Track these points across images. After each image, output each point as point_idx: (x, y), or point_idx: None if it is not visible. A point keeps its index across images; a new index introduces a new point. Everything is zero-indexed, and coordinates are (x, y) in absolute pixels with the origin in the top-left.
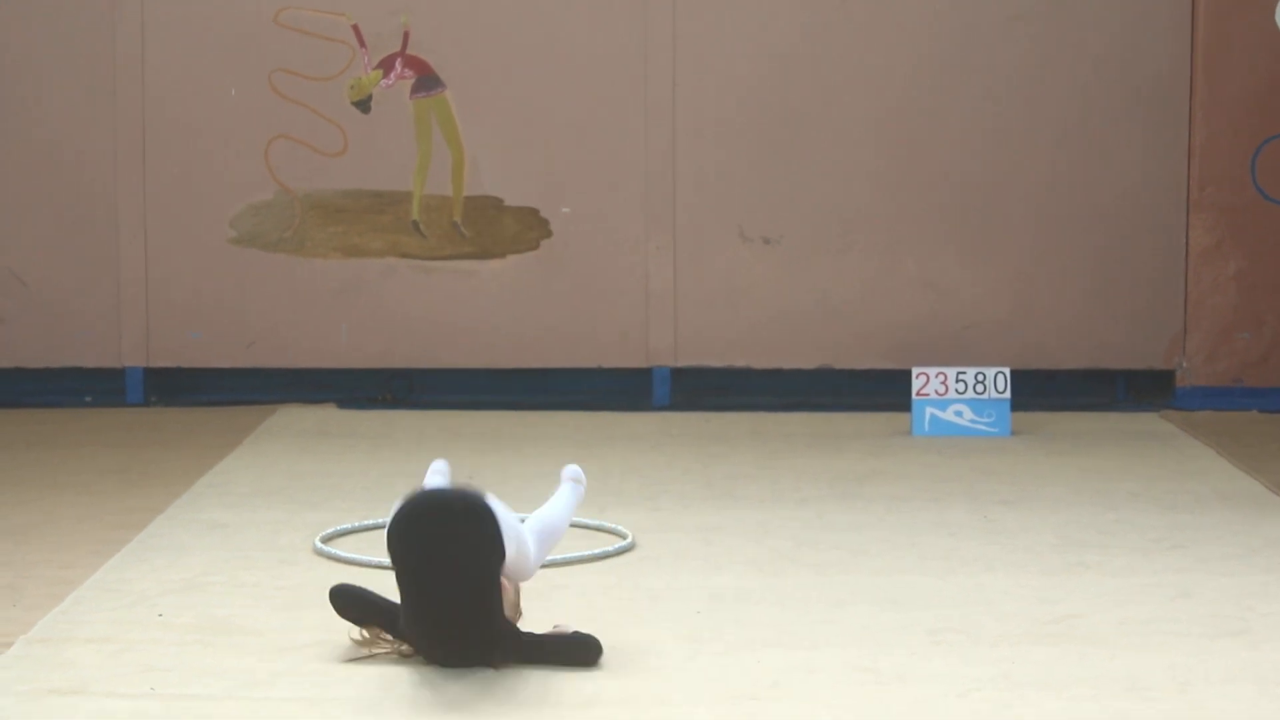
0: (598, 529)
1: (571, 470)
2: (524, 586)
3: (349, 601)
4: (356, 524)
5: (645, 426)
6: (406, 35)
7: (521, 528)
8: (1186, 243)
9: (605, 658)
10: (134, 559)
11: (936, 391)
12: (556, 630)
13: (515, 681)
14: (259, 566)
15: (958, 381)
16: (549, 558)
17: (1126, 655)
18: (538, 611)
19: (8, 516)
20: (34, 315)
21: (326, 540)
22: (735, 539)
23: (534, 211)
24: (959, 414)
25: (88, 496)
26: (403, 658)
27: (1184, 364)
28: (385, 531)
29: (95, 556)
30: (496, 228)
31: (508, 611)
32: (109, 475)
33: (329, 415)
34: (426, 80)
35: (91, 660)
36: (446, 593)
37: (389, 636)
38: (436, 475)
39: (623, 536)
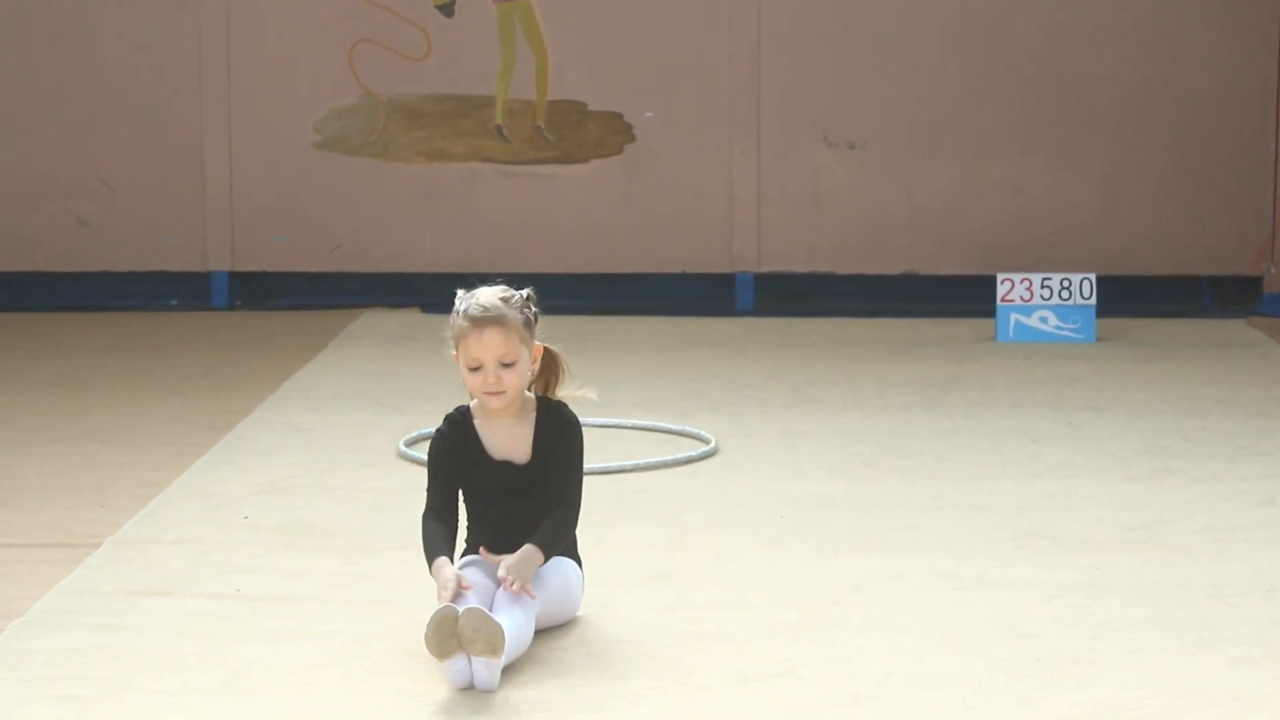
0: (680, 434)
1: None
2: (610, 489)
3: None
4: None
5: (728, 332)
6: None
7: None
8: (1276, 147)
9: (690, 561)
10: (220, 461)
11: (1021, 297)
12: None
13: (593, 586)
14: (344, 469)
15: (1043, 287)
16: (633, 462)
17: (1211, 562)
18: (620, 515)
19: (94, 419)
20: (120, 220)
21: (410, 444)
22: (818, 444)
23: (617, 116)
24: (1044, 320)
25: (174, 399)
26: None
27: (1271, 269)
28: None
29: (182, 459)
30: (580, 132)
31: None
32: (194, 378)
33: (413, 319)
34: None
35: (178, 561)
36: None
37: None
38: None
39: (705, 441)
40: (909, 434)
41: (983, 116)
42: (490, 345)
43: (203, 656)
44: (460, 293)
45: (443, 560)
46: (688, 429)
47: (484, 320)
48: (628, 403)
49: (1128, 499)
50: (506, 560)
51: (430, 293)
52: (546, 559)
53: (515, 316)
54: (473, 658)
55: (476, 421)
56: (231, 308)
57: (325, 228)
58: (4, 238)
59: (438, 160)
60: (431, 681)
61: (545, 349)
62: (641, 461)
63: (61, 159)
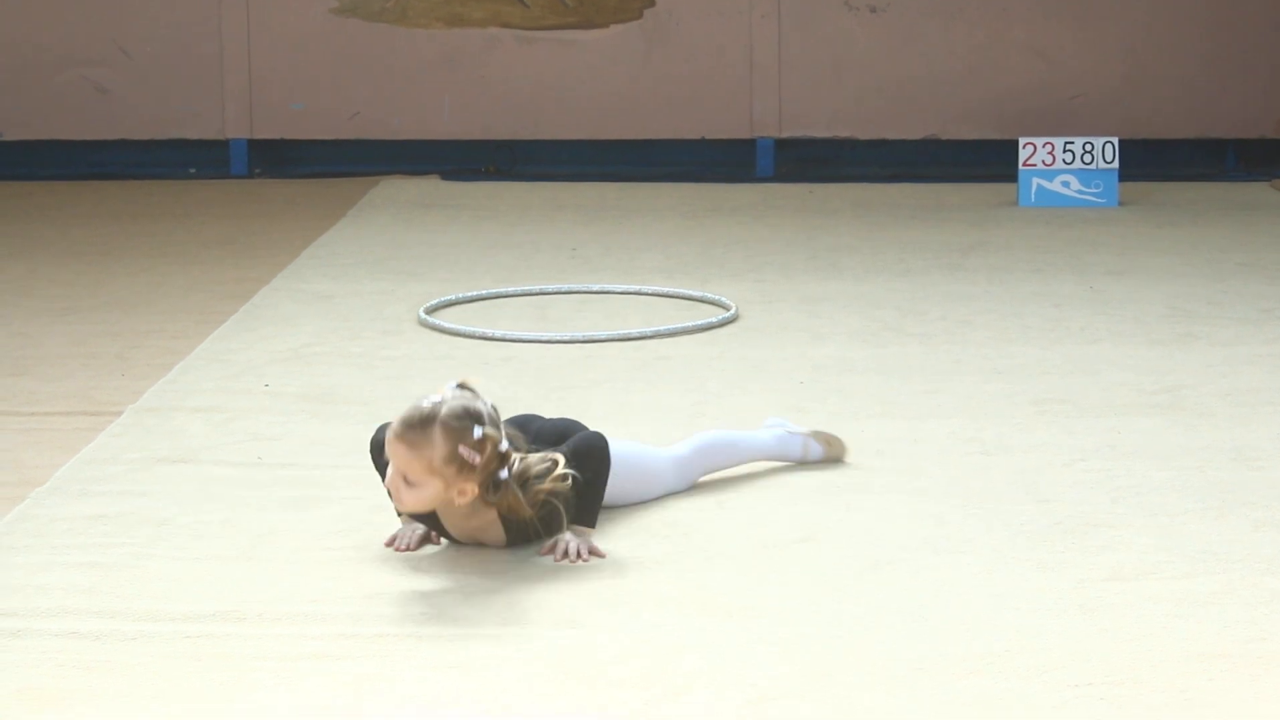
0: (701, 300)
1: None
2: (631, 356)
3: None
4: (460, 295)
5: (748, 198)
6: None
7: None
8: None
9: (710, 427)
10: (240, 329)
11: (1043, 162)
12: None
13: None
14: (364, 337)
15: (1065, 151)
16: (653, 329)
17: (1233, 425)
18: (641, 382)
19: (115, 287)
20: (137, 87)
21: (430, 311)
22: (839, 310)
23: None
24: (1066, 184)
25: (194, 267)
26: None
27: None
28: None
29: (202, 326)
30: None
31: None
32: (215, 246)
33: (432, 187)
34: None
35: (199, 429)
36: None
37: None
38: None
39: (726, 308)
40: (930, 299)
41: None
42: (394, 454)
43: (224, 524)
44: (459, 391)
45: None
46: (708, 295)
47: (398, 434)
48: (648, 269)
49: (1150, 363)
50: (571, 551)
51: (449, 160)
52: (594, 527)
53: (440, 446)
54: None
55: None
56: (250, 175)
57: (344, 95)
58: (22, 106)
59: (456, 26)
60: (452, 548)
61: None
62: (662, 328)
63: (79, 26)
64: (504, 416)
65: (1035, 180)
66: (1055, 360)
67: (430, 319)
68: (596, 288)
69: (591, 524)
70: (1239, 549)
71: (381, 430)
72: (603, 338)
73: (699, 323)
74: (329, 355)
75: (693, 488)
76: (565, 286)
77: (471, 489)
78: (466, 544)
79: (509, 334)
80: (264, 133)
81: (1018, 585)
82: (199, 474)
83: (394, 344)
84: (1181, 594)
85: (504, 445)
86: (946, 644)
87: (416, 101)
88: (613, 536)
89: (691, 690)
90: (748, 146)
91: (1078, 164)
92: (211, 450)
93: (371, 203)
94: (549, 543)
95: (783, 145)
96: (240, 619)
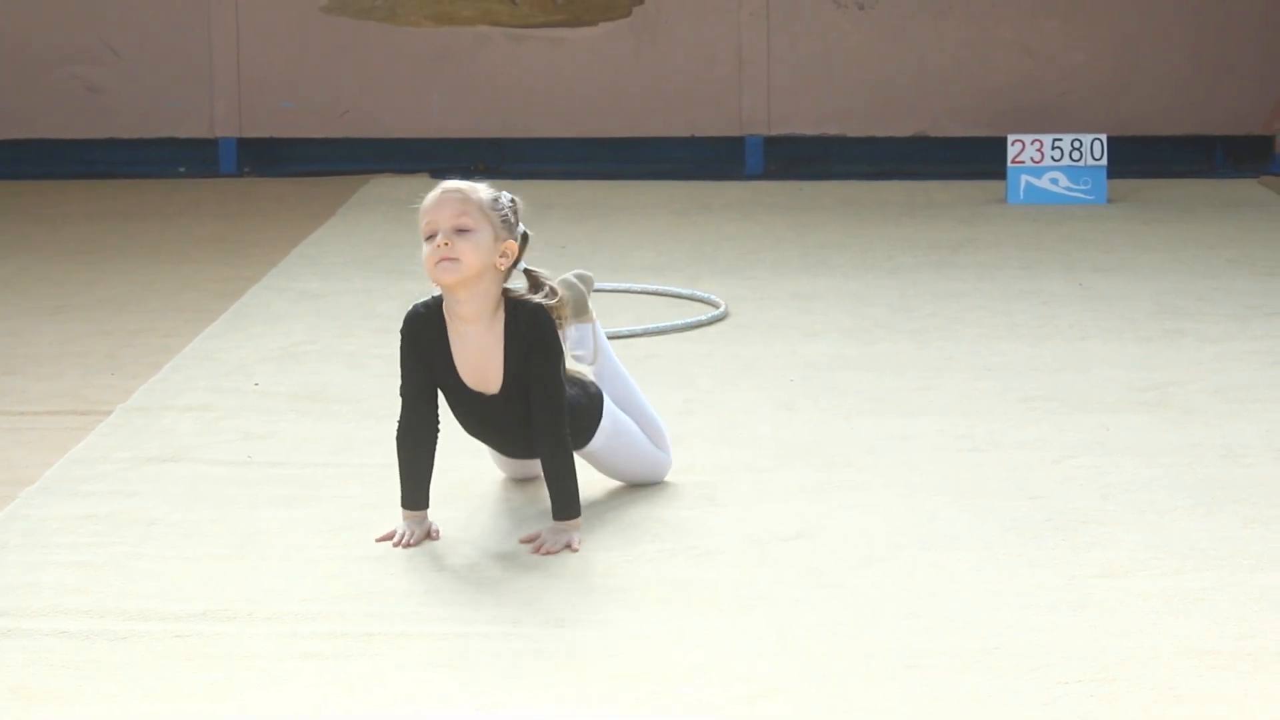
0: (691, 298)
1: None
2: (621, 354)
3: None
4: None
5: (738, 195)
6: None
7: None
8: None
9: (701, 425)
10: (230, 328)
11: (1032, 159)
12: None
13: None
14: (354, 335)
15: (1054, 149)
16: (643, 327)
17: (1222, 422)
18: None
19: (105, 286)
20: (127, 86)
21: None
22: (829, 307)
23: None
24: (1055, 181)
25: (184, 266)
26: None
27: None
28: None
29: (193, 325)
30: None
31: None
32: (204, 245)
33: (422, 185)
34: None
35: (189, 428)
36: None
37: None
38: None
39: (716, 305)
40: (920, 296)
41: None
42: (445, 209)
43: (215, 523)
44: None
45: (418, 517)
46: (698, 293)
47: (445, 190)
48: (638, 267)
49: (1139, 360)
50: (546, 545)
51: (439, 158)
52: (578, 515)
53: (484, 196)
54: None
55: (448, 321)
56: (240, 174)
57: (333, 93)
58: (12, 105)
59: (446, 24)
60: (442, 546)
61: (530, 271)
62: (652, 326)
63: (67, 25)
64: None
65: (1024, 177)
66: (1045, 357)
67: None
68: None
69: (575, 514)
70: (1228, 546)
71: (411, 309)
72: None
73: (689, 320)
74: (319, 354)
75: (681, 482)
76: None
77: (512, 247)
78: (468, 395)
79: None
80: (253, 131)
81: (1009, 582)
82: (189, 473)
83: (384, 342)
84: (1171, 591)
85: (522, 228)
86: (938, 640)
87: (406, 100)
88: (604, 534)
89: (685, 686)
90: (737, 144)
91: (1066, 161)
92: (202, 449)
93: (361, 201)
94: (529, 534)
95: (772, 143)
96: (231, 618)
